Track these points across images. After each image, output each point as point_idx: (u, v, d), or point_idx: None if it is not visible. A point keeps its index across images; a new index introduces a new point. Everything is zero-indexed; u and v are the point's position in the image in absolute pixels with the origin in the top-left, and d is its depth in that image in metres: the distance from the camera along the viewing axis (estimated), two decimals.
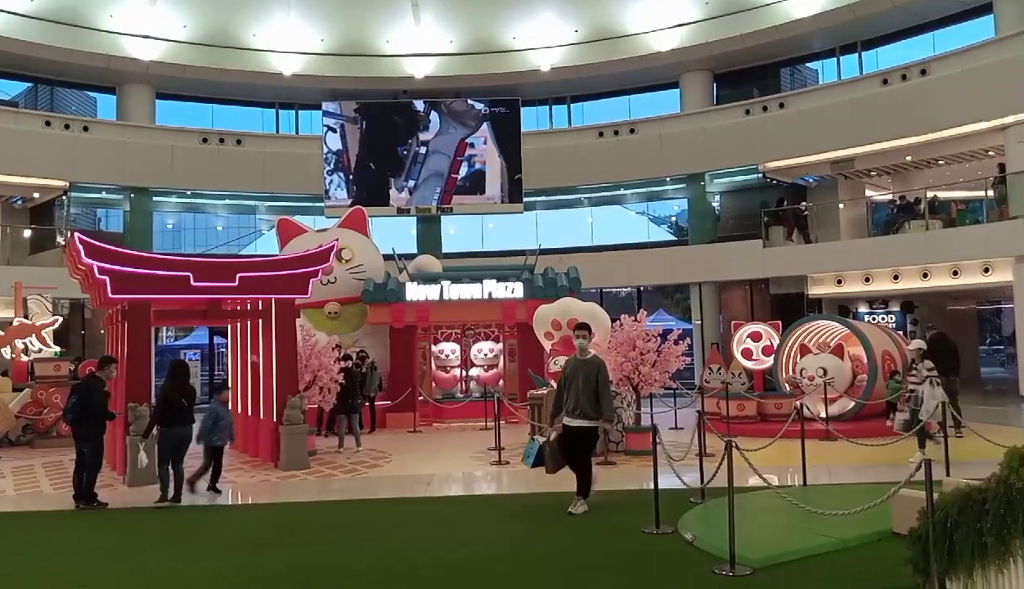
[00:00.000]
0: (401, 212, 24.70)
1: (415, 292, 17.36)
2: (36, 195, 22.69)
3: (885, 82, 20.14)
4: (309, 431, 12.54)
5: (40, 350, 16.92)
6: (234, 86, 24.63)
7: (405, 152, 24.60)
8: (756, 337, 17.16)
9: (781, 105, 21.99)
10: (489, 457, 12.28)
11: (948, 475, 8.25)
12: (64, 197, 22.33)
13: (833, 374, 14.01)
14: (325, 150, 24.27)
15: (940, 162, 21.00)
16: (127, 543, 7.64)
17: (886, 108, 19.72)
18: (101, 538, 7.91)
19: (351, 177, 24.39)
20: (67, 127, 21.93)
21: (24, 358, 16.76)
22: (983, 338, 28.65)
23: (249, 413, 13.51)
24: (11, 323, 17.08)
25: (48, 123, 21.77)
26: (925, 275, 19.07)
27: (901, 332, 19.09)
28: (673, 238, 26.67)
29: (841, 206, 22.79)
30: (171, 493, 9.36)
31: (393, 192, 24.48)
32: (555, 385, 12.96)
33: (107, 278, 10.84)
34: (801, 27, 21.73)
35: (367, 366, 15.92)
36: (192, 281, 11.26)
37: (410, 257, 19.76)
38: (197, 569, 6.59)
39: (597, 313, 14.60)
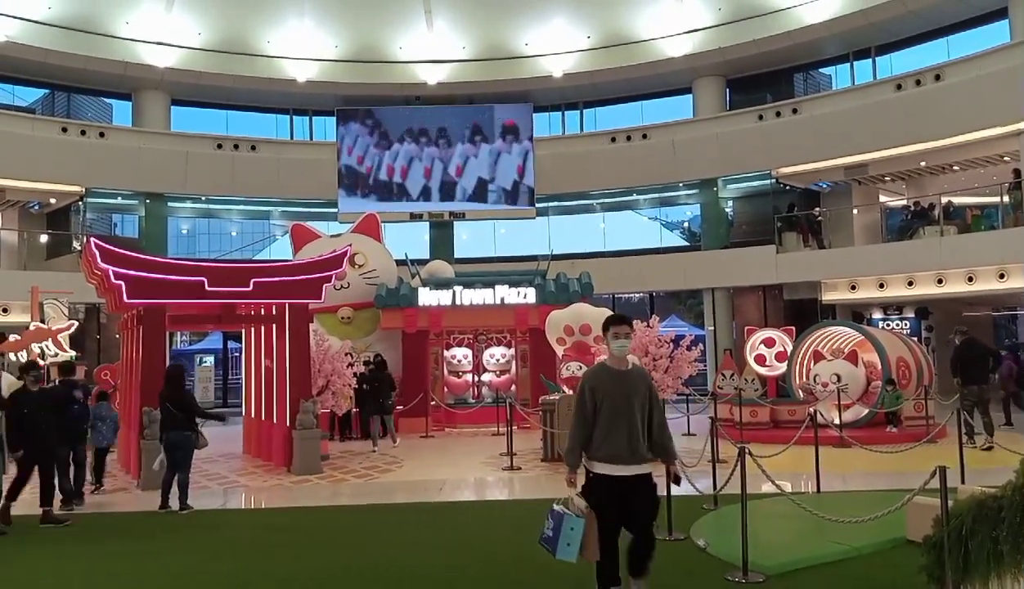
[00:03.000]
0: (414, 217, 24.79)
1: (427, 297, 17.40)
2: (52, 201, 22.87)
3: (899, 87, 20.05)
4: (322, 436, 12.58)
5: (56, 354, 17.05)
6: (248, 92, 24.78)
7: (419, 157, 24.70)
8: (769, 343, 17.06)
9: (794, 111, 21.91)
10: (501, 462, 12.27)
11: (963, 482, 8.22)
12: (80, 203, 22.54)
13: (847, 381, 13.94)
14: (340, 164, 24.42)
15: (955, 167, 20.86)
16: (139, 547, 7.70)
17: (900, 113, 19.62)
18: (113, 542, 7.97)
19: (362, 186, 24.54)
20: (83, 133, 22.13)
21: (40, 362, 16.88)
22: (999, 344, 28.37)
23: (263, 417, 13.57)
24: (28, 327, 17.23)
25: (64, 129, 21.97)
26: (940, 281, 18.93)
27: (916, 338, 18.97)
28: (686, 244, 26.64)
29: (855, 212, 22.66)
30: (163, 501, 9.31)
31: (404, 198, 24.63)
32: (568, 392, 12.63)
33: (122, 283, 10.95)
34: (814, 32, 21.67)
35: None
36: (207, 286, 11.35)
37: (423, 262, 19.82)
38: (211, 572, 6.64)
39: None
